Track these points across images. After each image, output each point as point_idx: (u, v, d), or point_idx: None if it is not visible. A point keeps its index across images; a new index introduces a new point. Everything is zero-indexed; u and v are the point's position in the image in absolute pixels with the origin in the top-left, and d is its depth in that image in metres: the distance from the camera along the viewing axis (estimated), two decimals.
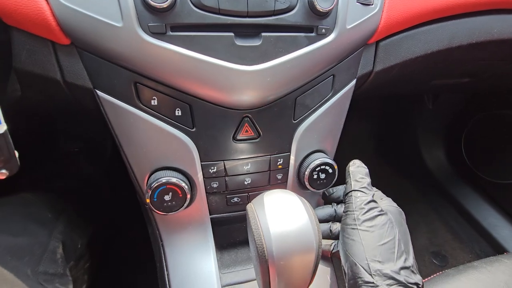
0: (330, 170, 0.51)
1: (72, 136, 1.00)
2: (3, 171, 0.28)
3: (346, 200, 0.43)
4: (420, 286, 0.36)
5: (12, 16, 0.35)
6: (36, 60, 0.39)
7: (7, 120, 0.31)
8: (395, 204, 0.45)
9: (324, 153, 0.53)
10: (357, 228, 0.38)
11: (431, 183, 1.41)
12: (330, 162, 0.50)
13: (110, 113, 0.42)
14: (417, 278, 0.36)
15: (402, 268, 0.36)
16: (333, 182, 0.52)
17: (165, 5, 0.35)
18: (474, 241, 1.21)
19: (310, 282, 0.35)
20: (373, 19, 0.46)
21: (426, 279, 0.57)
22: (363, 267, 0.36)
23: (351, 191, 0.43)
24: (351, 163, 0.47)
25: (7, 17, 0.36)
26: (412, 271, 0.37)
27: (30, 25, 0.36)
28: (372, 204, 0.40)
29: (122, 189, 0.88)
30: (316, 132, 0.50)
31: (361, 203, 0.40)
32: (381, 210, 0.40)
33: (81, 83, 0.41)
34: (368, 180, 0.45)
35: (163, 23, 0.36)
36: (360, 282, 0.36)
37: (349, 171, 0.46)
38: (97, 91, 0.41)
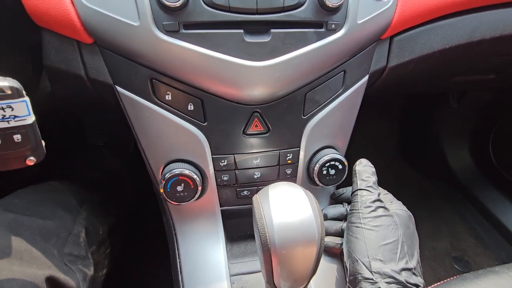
0: (340, 166, 0.51)
1: (98, 131, 1.06)
2: (31, 158, 0.31)
3: (352, 199, 0.43)
4: None
5: (43, 17, 0.39)
6: (63, 58, 0.42)
7: (37, 113, 0.34)
8: (404, 208, 0.45)
9: (335, 149, 0.53)
10: (361, 227, 0.39)
11: (454, 185, 1.35)
12: (340, 158, 0.50)
13: (128, 107, 0.45)
14: (418, 280, 0.36)
15: (404, 269, 0.36)
16: (343, 178, 0.52)
17: (178, 4, 0.37)
18: (500, 247, 1.14)
19: (313, 274, 0.35)
20: (386, 13, 0.46)
21: (442, 281, 0.56)
22: (364, 264, 0.36)
23: (357, 190, 0.43)
24: (357, 162, 0.47)
25: (38, 18, 0.39)
26: (414, 273, 0.37)
27: (58, 26, 0.40)
28: (378, 203, 0.40)
29: (143, 181, 0.93)
30: (326, 128, 0.51)
31: (366, 201, 0.40)
32: (386, 210, 0.40)
33: (102, 79, 0.44)
34: (374, 179, 0.45)
35: (176, 21, 0.38)
36: (359, 278, 0.36)
37: (355, 170, 0.46)
38: (116, 86, 0.44)
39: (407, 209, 0.45)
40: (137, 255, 0.98)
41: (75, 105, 0.67)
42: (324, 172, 0.51)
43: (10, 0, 0.38)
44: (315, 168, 0.50)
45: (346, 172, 0.52)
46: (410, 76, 0.63)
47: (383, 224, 0.38)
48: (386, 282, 0.35)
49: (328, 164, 0.50)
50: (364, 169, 0.45)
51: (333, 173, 0.51)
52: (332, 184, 0.52)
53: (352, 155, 0.54)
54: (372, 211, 0.39)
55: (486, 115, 1.28)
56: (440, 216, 1.30)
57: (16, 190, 0.52)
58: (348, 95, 0.50)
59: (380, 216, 0.39)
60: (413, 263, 0.37)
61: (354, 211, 0.41)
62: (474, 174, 1.33)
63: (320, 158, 0.50)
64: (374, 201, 0.40)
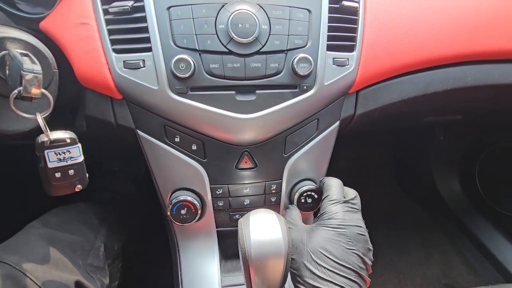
0: (316, 196, 0.61)
1: (114, 158, 1.20)
2: (79, 185, 0.43)
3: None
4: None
5: (88, 82, 0.53)
6: (99, 109, 0.56)
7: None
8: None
9: (313, 181, 0.64)
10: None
11: (446, 213, 1.41)
12: (315, 189, 0.61)
13: (146, 146, 0.58)
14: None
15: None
16: (318, 205, 0.62)
17: (187, 75, 0.50)
18: (490, 275, 1.18)
19: (283, 282, 0.45)
20: (349, 76, 0.58)
21: None
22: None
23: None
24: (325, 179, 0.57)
25: (84, 82, 0.53)
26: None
27: (98, 87, 0.53)
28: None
29: (150, 204, 1.04)
30: (304, 164, 0.62)
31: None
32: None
33: (127, 125, 0.57)
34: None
35: (185, 86, 0.51)
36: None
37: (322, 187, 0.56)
38: (138, 130, 0.57)
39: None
40: (144, 270, 1.08)
41: (101, 141, 0.81)
42: (302, 200, 0.61)
43: (67, 67, 0.52)
44: (295, 197, 0.61)
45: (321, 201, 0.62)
46: (379, 120, 0.74)
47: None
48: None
49: (305, 193, 0.61)
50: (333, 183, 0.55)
51: (310, 201, 0.61)
52: (309, 211, 0.62)
53: (348, 181, 0.61)
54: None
55: (471, 147, 1.36)
56: (432, 243, 1.35)
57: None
58: (322, 138, 0.61)
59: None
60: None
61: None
62: (464, 204, 1.39)
63: (299, 189, 0.61)
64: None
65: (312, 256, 0.46)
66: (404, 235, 1.38)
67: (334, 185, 0.54)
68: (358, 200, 0.53)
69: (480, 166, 1.33)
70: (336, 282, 0.45)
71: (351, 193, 0.53)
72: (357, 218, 0.50)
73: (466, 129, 1.35)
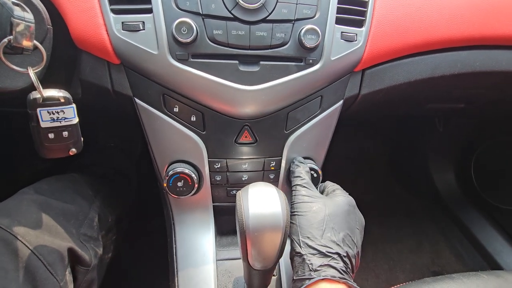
0: (315, 175, 0.60)
1: (110, 134, 1.18)
2: (73, 149, 0.41)
3: (292, 193, 0.53)
4: (344, 255, 0.45)
5: (84, 43, 0.50)
6: (95, 74, 0.53)
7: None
8: (345, 194, 0.54)
9: (312, 160, 0.63)
10: (295, 214, 0.49)
11: (439, 204, 1.43)
12: (315, 168, 0.60)
13: (143, 115, 0.56)
14: (338, 249, 0.45)
15: (327, 241, 0.45)
16: (318, 184, 0.62)
17: (189, 40, 0.47)
18: (478, 265, 1.21)
19: (279, 256, 0.44)
20: (357, 52, 0.56)
21: (403, 283, 0.64)
22: (296, 242, 0.46)
23: (295, 185, 0.54)
24: (294, 162, 0.59)
25: (80, 43, 0.51)
26: (337, 244, 0.45)
27: (95, 50, 0.51)
28: (307, 197, 0.51)
29: (147, 180, 1.03)
30: (305, 141, 0.61)
31: (299, 195, 0.51)
32: (314, 199, 0.50)
33: (125, 92, 0.54)
34: (308, 177, 0.56)
35: (186, 52, 0.49)
36: (293, 253, 0.47)
37: (293, 171, 0.57)
38: (135, 98, 0.55)
39: (348, 195, 0.54)
40: (139, 246, 1.08)
41: (96, 111, 0.78)
42: None
43: (63, 27, 0.49)
44: None
45: (320, 180, 0.61)
46: (384, 102, 0.73)
47: (309, 210, 0.48)
48: (310, 254, 0.44)
49: None
50: (299, 169, 0.56)
51: None
52: None
53: (345, 170, 0.63)
54: (303, 202, 0.49)
55: (469, 140, 1.37)
56: (423, 233, 1.37)
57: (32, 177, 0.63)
58: (324, 116, 0.60)
59: (307, 202, 0.49)
60: (338, 236, 0.46)
61: (292, 203, 0.51)
62: (458, 195, 1.41)
63: None
64: (305, 195, 0.51)
65: (330, 220, 0.47)
66: (396, 224, 1.39)
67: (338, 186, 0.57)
68: None
69: (476, 159, 1.33)
70: (344, 249, 0.46)
71: None
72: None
73: (464, 122, 1.35)
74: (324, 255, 0.44)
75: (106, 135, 1.18)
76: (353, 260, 0.47)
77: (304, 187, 0.52)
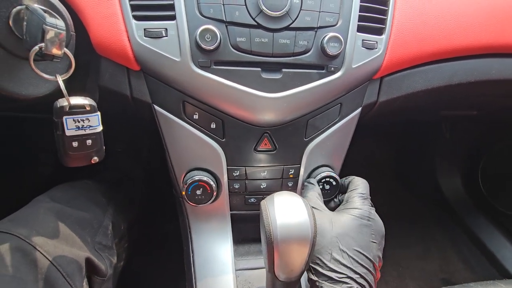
0: (334, 183, 0.60)
1: (117, 139, 1.17)
2: (95, 157, 0.41)
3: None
4: (357, 277, 0.43)
5: (105, 49, 0.50)
6: (114, 81, 0.53)
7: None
8: (362, 202, 0.51)
9: (331, 167, 0.62)
10: None
11: (446, 210, 1.42)
12: (334, 176, 0.59)
13: (162, 122, 0.55)
14: (349, 272, 0.44)
15: (334, 267, 0.44)
16: (336, 193, 0.61)
17: (212, 47, 0.47)
18: (486, 272, 1.20)
19: (306, 267, 0.43)
20: (376, 60, 0.56)
21: None
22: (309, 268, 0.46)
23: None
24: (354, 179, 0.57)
25: (100, 50, 0.50)
26: (345, 266, 0.44)
27: (115, 56, 0.50)
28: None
29: (155, 184, 1.02)
30: (323, 149, 0.60)
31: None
32: (321, 219, 0.48)
33: (143, 99, 0.54)
34: (320, 200, 0.55)
35: (209, 59, 0.49)
36: (308, 279, 0.47)
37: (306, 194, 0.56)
38: (154, 105, 0.54)
39: (363, 204, 0.50)
40: (151, 251, 1.07)
41: (108, 117, 0.77)
42: (320, 187, 0.60)
43: (79, 32, 0.48)
44: None
45: (339, 188, 0.61)
46: (399, 109, 0.73)
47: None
48: (322, 280, 0.44)
49: (323, 180, 0.59)
50: (311, 194, 0.55)
51: (328, 188, 0.60)
52: (326, 198, 0.61)
53: (352, 174, 0.61)
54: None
55: (476, 146, 1.37)
56: (431, 239, 1.36)
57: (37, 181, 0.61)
58: (343, 123, 0.60)
59: None
60: (348, 257, 0.45)
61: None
62: (465, 201, 1.40)
63: (317, 175, 0.59)
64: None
65: (337, 241, 0.45)
66: (404, 230, 1.38)
67: (362, 183, 0.55)
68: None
69: (483, 165, 1.33)
70: (356, 270, 0.44)
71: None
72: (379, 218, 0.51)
73: (472, 127, 1.35)
74: (334, 281, 0.42)
75: (113, 140, 1.17)
76: (371, 278, 0.45)
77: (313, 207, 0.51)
